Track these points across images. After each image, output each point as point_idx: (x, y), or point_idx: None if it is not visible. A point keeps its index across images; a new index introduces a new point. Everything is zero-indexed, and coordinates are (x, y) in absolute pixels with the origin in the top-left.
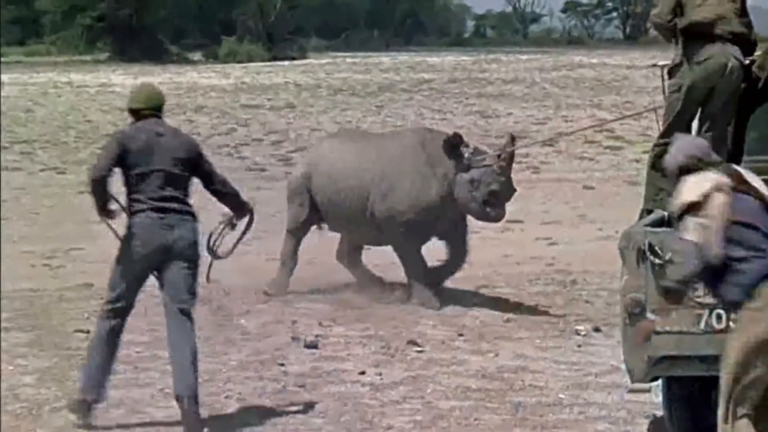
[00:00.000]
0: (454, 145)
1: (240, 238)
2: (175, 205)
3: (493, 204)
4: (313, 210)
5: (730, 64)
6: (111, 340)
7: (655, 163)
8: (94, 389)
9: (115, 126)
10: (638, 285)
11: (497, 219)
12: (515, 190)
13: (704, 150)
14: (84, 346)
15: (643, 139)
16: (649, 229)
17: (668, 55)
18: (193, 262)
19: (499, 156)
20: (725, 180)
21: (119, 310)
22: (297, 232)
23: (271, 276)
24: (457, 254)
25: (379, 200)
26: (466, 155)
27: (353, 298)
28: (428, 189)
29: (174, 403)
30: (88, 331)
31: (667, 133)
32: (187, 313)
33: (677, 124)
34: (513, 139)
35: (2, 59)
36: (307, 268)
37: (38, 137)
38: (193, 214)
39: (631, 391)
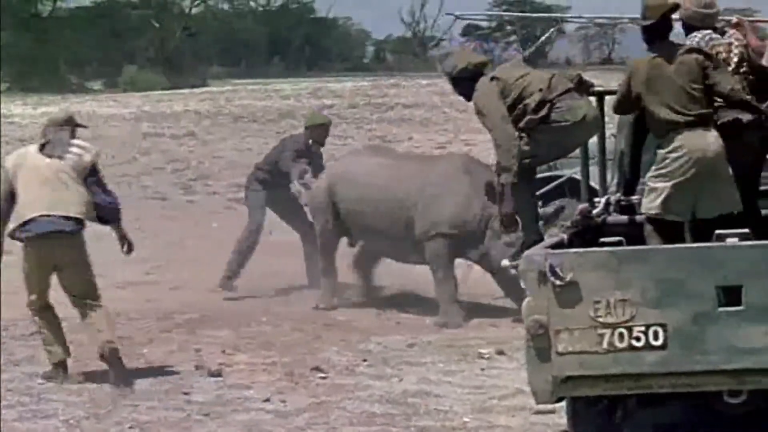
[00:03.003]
0: None
1: None
2: None
3: None
4: (338, 222)
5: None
6: None
7: None
8: None
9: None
10: (540, 307)
11: None
12: None
13: None
14: None
15: None
16: (549, 251)
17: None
18: None
19: None
20: None
21: None
22: (329, 245)
23: (173, 304)
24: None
25: (420, 216)
26: None
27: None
28: (470, 209)
29: None
30: None
31: None
32: None
33: None
34: None
35: None
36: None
37: None
38: None
39: (537, 412)
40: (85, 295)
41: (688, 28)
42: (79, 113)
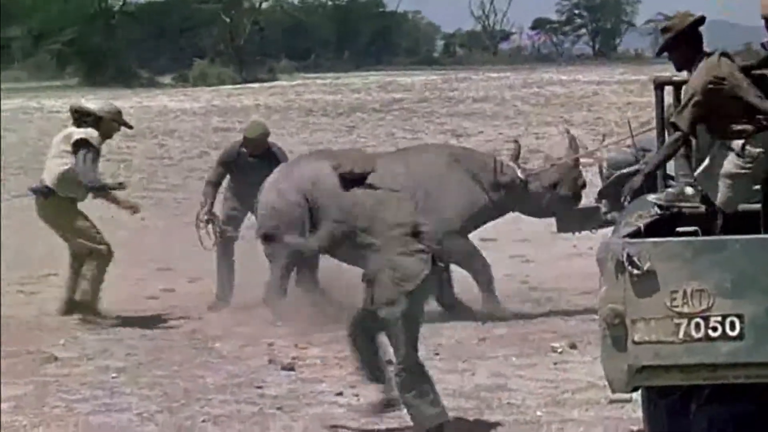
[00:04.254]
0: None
1: None
2: None
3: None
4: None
5: None
6: None
7: None
8: None
9: None
10: (617, 296)
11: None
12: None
13: None
14: (60, 373)
15: None
16: (627, 240)
17: (640, 70)
18: None
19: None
20: None
21: None
22: (309, 260)
23: (245, 298)
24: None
25: (424, 216)
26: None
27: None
28: (476, 200)
29: (149, 427)
30: (56, 359)
31: None
32: None
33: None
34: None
35: None
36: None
37: (9, 163)
38: None
39: (612, 401)
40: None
41: None
42: (149, 108)
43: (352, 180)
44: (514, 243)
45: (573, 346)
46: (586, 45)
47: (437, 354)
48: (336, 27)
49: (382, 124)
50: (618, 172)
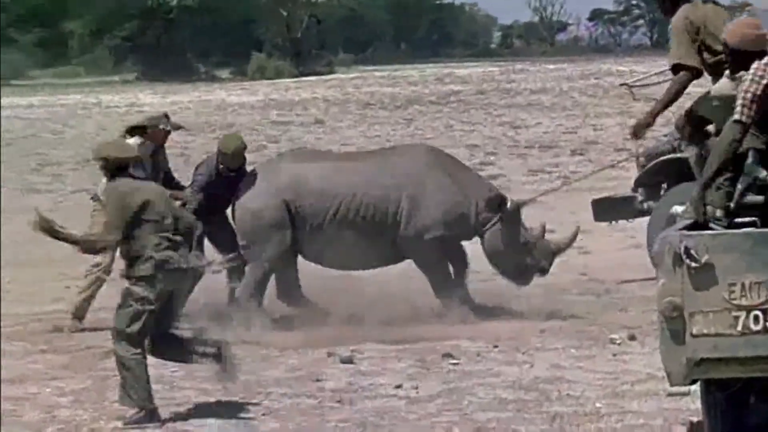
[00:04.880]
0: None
1: None
2: None
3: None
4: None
5: None
6: None
7: None
8: None
9: None
10: (675, 289)
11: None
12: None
13: None
14: None
15: None
16: (685, 232)
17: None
18: None
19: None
20: None
21: None
22: (271, 270)
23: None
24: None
25: (405, 219)
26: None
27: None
28: (459, 205)
29: (209, 420)
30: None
31: None
32: None
33: None
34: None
35: (31, 82)
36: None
37: (68, 159)
38: None
39: (671, 394)
40: None
41: None
42: (208, 102)
43: None
44: None
45: (632, 338)
46: (643, 35)
47: (496, 346)
48: (393, 19)
49: (439, 116)
50: (654, 161)
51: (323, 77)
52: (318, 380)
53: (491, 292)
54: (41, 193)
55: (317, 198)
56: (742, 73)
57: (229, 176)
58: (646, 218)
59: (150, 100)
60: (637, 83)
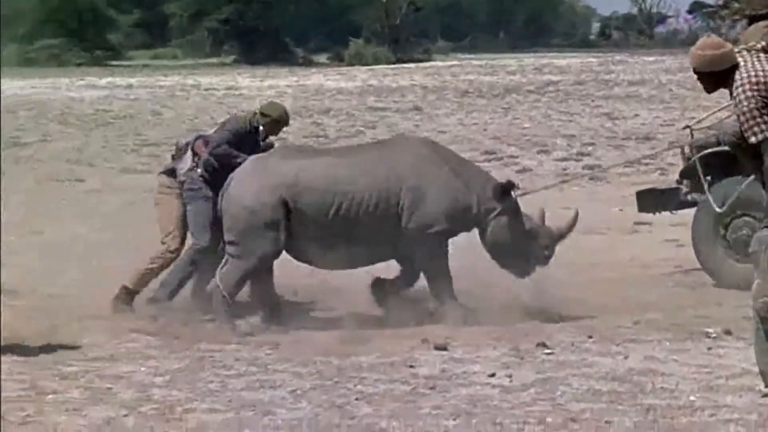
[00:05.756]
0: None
1: None
2: None
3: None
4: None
5: None
6: None
7: None
8: None
9: None
10: None
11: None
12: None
13: None
14: (214, 348)
15: None
16: None
17: None
18: None
19: None
20: None
21: None
22: (256, 269)
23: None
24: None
25: (408, 213)
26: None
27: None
28: (462, 199)
29: (302, 404)
30: None
31: None
32: None
33: None
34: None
35: (131, 63)
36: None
37: (166, 140)
38: None
39: (766, 395)
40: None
41: None
42: (306, 86)
43: None
44: (669, 227)
45: (728, 332)
46: (743, 29)
47: (590, 337)
48: (492, 8)
49: (537, 105)
50: (699, 154)
51: (421, 64)
52: (411, 366)
53: (584, 284)
54: (138, 173)
55: (317, 195)
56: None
57: (251, 142)
58: (691, 210)
59: (248, 83)
60: (700, 125)
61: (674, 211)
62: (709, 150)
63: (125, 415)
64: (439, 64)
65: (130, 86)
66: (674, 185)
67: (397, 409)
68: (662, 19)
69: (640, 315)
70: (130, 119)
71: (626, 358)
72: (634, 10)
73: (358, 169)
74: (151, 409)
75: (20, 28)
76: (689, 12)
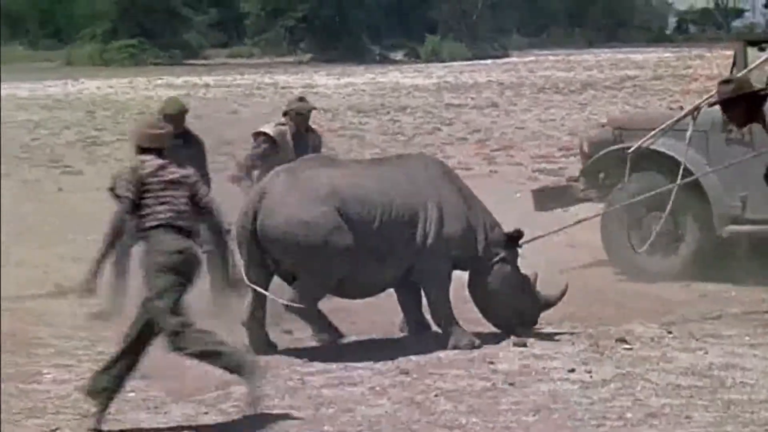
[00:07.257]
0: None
1: None
2: None
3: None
4: None
5: None
6: None
7: None
8: None
9: (319, 126)
10: None
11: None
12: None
13: None
14: (293, 345)
15: None
16: None
17: None
18: None
19: None
20: None
21: None
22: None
23: None
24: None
25: (435, 228)
26: None
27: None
28: (471, 224)
29: (382, 400)
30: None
31: None
32: None
33: None
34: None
35: (207, 62)
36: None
37: (241, 139)
38: None
39: None
40: None
41: None
42: (382, 84)
43: None
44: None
45: None
46: None
47: (670, 332)
48: (568, 3)
49: (614, 101)
50: (600, 153)
51: (497, 61)
52: (491, 362)
53: (663, 276)
54: (215, 172)
55: (361, 206)
56: None
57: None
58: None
59: (325, 81)
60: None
61: (567, 209)
62: (611, 148)
63: (205, 413)
64: (516, 60)
65: (206, 85)
66: (568, 183)
67: (476, 405)
68: (739, 13)
69: (719, 310)
70: (206, 118)
71: (706, 353)
72: (711, 5)
73: (385, 181)
74: (231, 407)
75: (97, 29)
76: (765, 6)
